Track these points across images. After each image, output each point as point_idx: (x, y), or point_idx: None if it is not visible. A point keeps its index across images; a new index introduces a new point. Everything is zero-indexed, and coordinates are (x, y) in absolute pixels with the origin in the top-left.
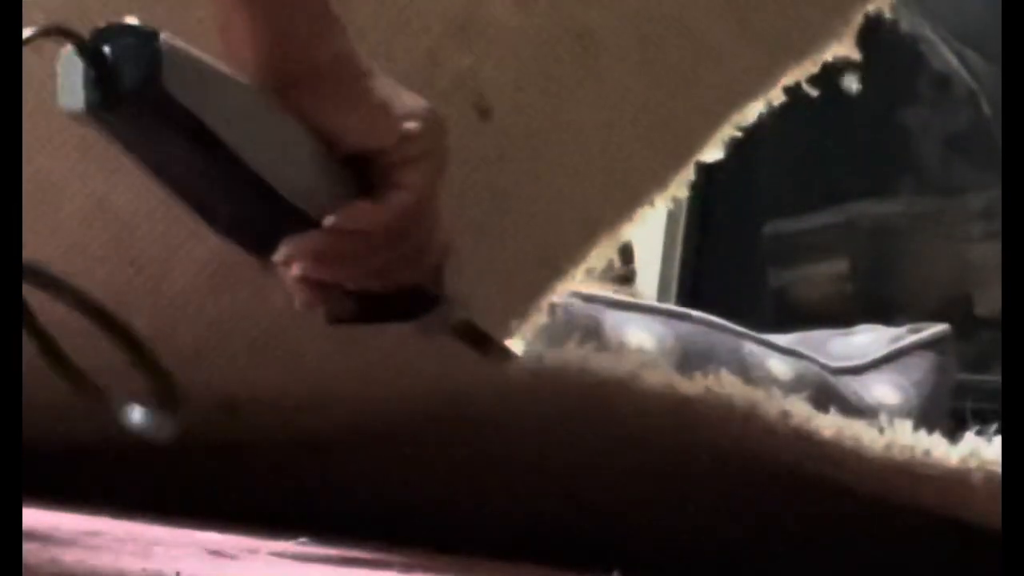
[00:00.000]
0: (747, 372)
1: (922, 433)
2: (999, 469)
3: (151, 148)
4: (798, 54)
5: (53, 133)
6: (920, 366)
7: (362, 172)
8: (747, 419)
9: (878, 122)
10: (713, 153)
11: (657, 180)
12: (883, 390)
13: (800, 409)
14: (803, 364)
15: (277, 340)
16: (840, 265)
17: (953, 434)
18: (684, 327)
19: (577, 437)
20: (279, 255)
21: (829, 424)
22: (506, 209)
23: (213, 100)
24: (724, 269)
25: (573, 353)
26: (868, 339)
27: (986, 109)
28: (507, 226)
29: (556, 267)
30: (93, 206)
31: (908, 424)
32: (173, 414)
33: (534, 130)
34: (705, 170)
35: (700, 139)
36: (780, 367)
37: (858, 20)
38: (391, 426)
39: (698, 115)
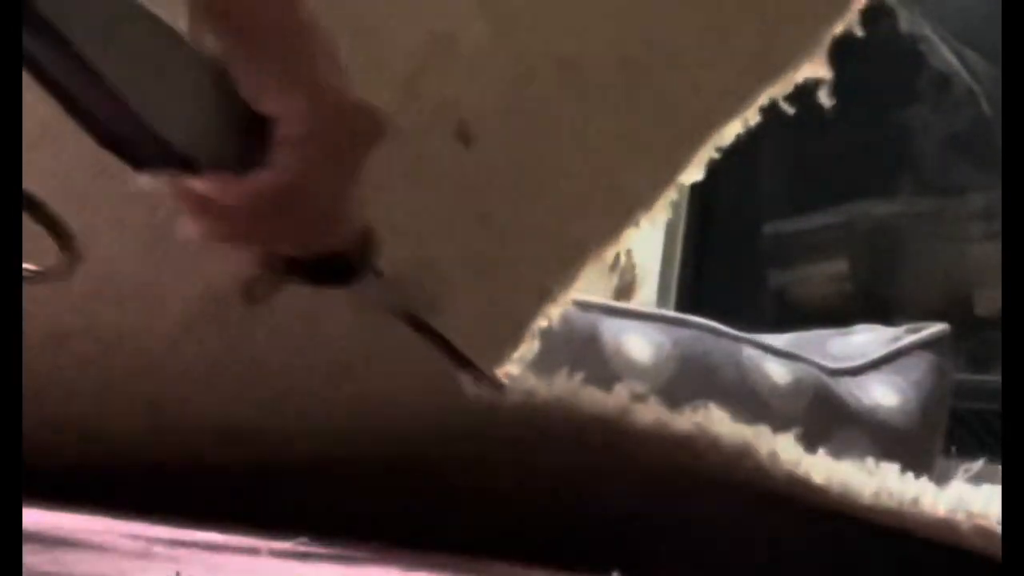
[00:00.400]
0: (745, 377)
1: (909, 479)
2: (987, 520)
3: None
4: (774, 74)
5: (28, 181)
6: (918, 366)
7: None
8: (738, 458)
9: (878, 122)
10: (695, 174)
11: (642, 201)
12: (881, 391)
13: (790, 452)
14: (801, 367)
15: (265, 374)
16: (840, 265)
17: (952, 434)
18: (682, 333)
19: (568, 464)
20: (141, 181)
21: (819, 468)
22: (494, 235)
23: (84, 11)
24: (724, 269)
25: (563, 387)
26: (867, 339)
27: (986, 109)
28: (496, 252)
29: (546, 292)
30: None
31: (895, 468)
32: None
33: (518, 156)
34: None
35: (683, 160)
36: (778, 371)
37: (829, 40)
38: (382, 456)
39: (680, 136)
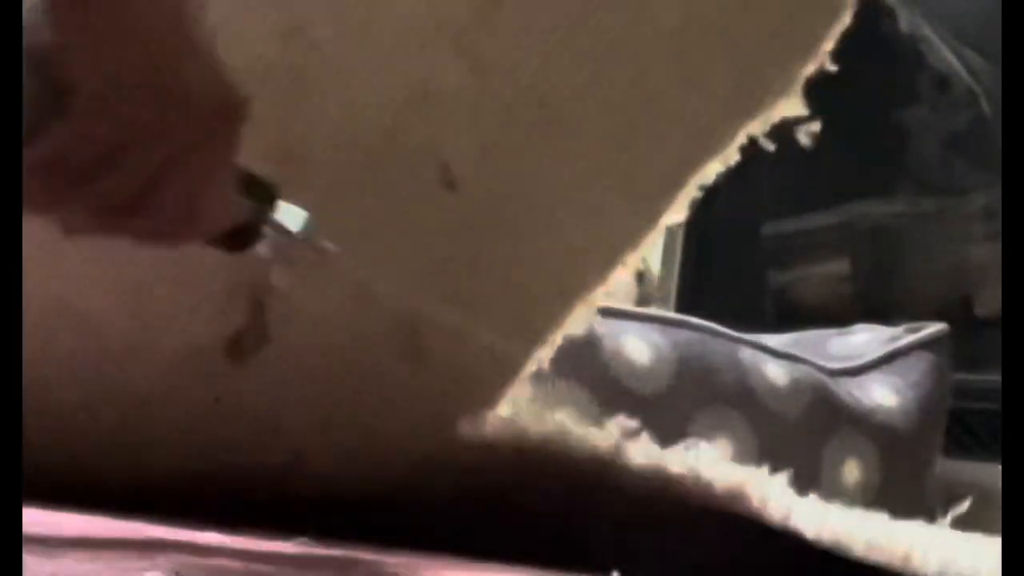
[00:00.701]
0: (744, 378)
1: (901, 530)
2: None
3: None
4: (750, 112)
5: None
6: (917, 367)
7: None
8: (730, 500)
9: (878, 122)
10: (679, 214)
11: (628, 241)
12: (881, 392)
13: (782, 500)
14: (800, 368)
15: (254, 420)
16: (840, 265)
17: (952, 434)
18: (681, 335)
19: (563, 494)
20: None
21: (811, 518)
22: (484, 280)
23: None
24: (724, 269)
25: (556, 424)
26: (866, 339)
27: (986, 109)
28: (486, 296)
29: (536, 334)
30: (56, 307)
31: (884, 516)
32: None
33: (503, 198)
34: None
35: (665, 199)
36: (777, 372)
37: (802, 79)
38: (373, 491)
39: (663, 175)
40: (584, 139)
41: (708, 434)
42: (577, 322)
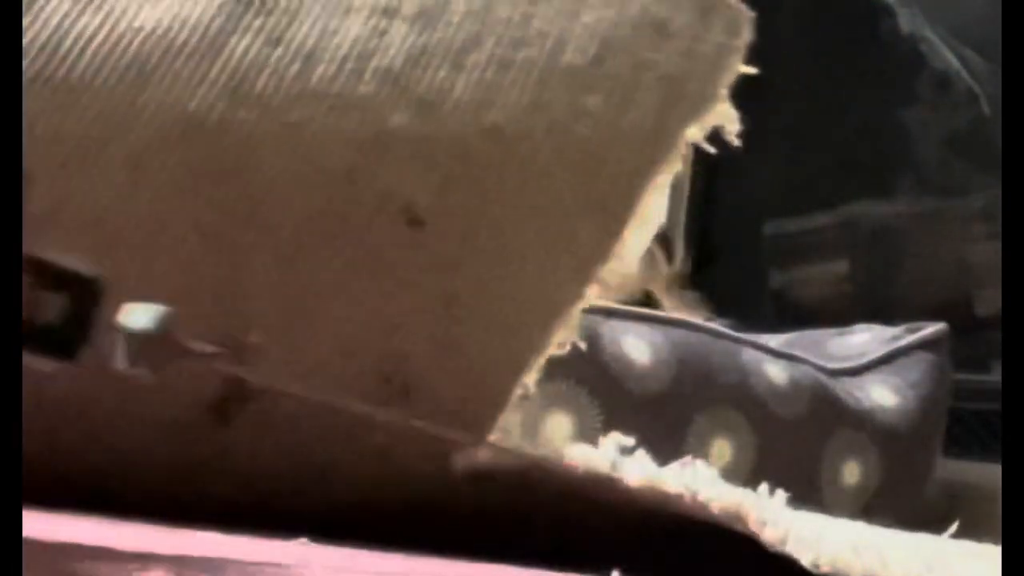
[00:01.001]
0: (744, 378)
1: (896, 553)
2: None
3: None
4: (691, 112)
5: None
6: (917, 367)
7: None
8: (728, 521)
9: (878, 122)
10: (642, 222)
11: (597, 255)
12: (881, 392)
13: (779, 525)
14: (800, 368)
15: (246, 477)
16: (840, 265)
17: (952, 434)
18: (681, 335)
19: (561, 513)
20: None
21: (807, 545)
22: (462, 315)
23: None
24: (724, 269)
25: (550, 447)
26: (866, 339)
27: (986, 109)
28: (466, 331)
29: (521, 360)
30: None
31: (882, 535)
32: None
33: (470, 231)
34: (705, 170)
35: (625, 209)
36: (777, 372)
37: (726, 88)
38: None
39: (619, 186)
40: (539, 162)
41: (708, 434)
42: (558, 343)
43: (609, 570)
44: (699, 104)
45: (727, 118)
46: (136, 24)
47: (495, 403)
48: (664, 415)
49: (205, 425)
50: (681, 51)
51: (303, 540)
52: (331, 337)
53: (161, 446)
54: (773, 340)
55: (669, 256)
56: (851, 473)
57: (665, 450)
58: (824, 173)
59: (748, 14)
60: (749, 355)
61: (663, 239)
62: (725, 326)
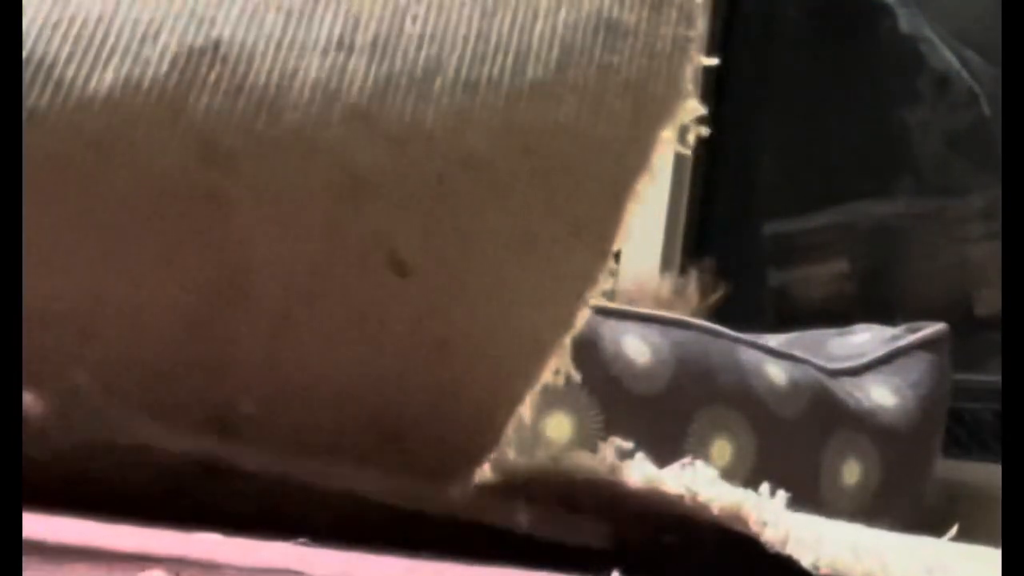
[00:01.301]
0: (744, 378)
1: (896, 557)
2: None
3: None
4: (663, 113)
5: None
6: (918, 367)
7: None
8: (729, 521)
9: (878, 122)
10: (623, 238)
11: (585, 278)
12: (881, 392)
13: (779, 526)
14: (800, 368)
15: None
16: (840, 265)
17: (952, 434)
18: (681, 335)
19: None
20: None
21: (807, 544)
22: (453, 359)
23: None
24: (724, 269)
25: (546, 455)
26: (866, 339)
27: (986, 109)
28: (460, 373)
29: (514, 396)
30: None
31: (883, 537)
32: None
33: (456, 272)
34: (705, 169)
35: (608, 226)
36: (777, 372)
37: (692, 81)
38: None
39: (602, 203)
40: (517, 190)
41: (707, 434)
42: (552, 372)
43: (609, 570)
44: (669, 104)
45: (694, 113)
46: (88, 95)
47: (489, 441)
48: (664, 415)
49: (193, 483)
50: (639, 50)
51: (303, 540)
52: (322, 396)
53: (151, 498)
54: (773, 340)
55: (704, 291)
56: (851, 473)
57: (665, 450)
58: (824, 173)
59: (698, 0)
60: (749, 355)
61: (704, 273)
62: (725, 326)
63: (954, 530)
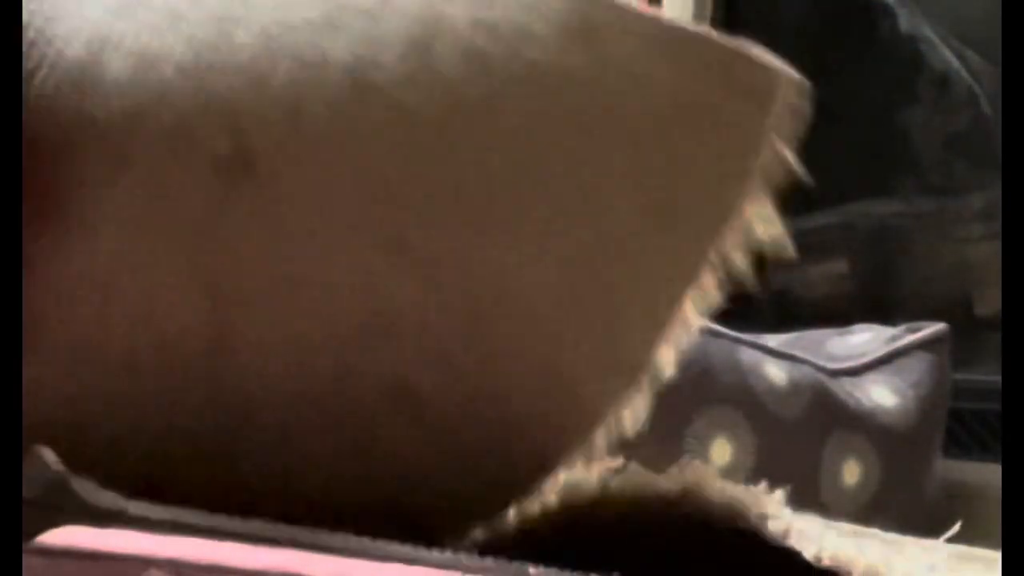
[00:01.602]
0: (744, 378)
1: (896, 555)
2: None
3: None
4: (718, 225)
5: None
6: (917, 367)
7: None
8: (730, 519)
9: (878, 122)
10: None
11: (639, 366)
12: (881, 392)
13: (779, 522)
14: (800, 368)
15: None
16: (840, 265)
17: (952, 434)
18: None
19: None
20: None
21: (809, 537)
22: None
23: None
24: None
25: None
26: (866, 339)
27: (986, 109)
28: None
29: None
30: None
31: (883, 536)
32: None
33: (471, 420)
34: None
35: (664, 320)
36: (776, 372)
37: (757, 173)
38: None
39: (651, 303)
40: (555, 320)
41: (707, 434)
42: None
43: (609, 570)
44: (729, 205)
45: (765, 211)
46: (95, 247)
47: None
48: (663, 415)
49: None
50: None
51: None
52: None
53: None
54: (773, 340)
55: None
56: (851, 473)
57: (664, 450)
58: (824, 173)
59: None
60: (749, 355)
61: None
62: (725, 326)
63: (954, 530)
